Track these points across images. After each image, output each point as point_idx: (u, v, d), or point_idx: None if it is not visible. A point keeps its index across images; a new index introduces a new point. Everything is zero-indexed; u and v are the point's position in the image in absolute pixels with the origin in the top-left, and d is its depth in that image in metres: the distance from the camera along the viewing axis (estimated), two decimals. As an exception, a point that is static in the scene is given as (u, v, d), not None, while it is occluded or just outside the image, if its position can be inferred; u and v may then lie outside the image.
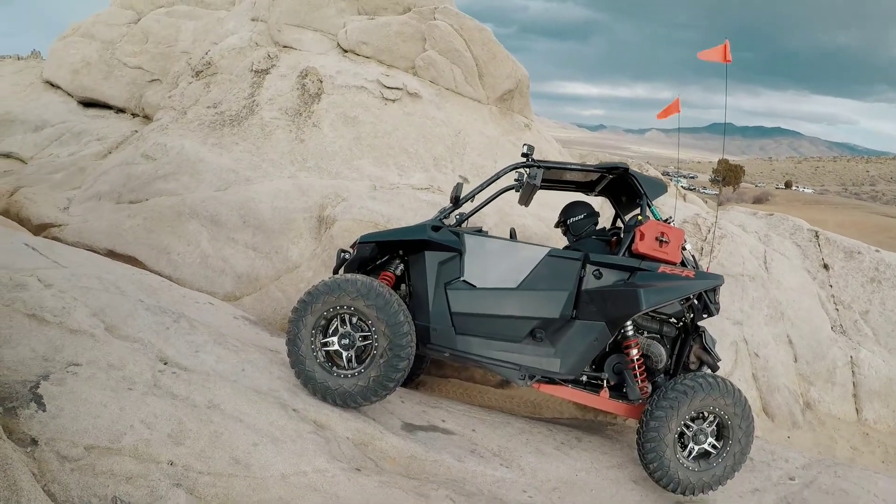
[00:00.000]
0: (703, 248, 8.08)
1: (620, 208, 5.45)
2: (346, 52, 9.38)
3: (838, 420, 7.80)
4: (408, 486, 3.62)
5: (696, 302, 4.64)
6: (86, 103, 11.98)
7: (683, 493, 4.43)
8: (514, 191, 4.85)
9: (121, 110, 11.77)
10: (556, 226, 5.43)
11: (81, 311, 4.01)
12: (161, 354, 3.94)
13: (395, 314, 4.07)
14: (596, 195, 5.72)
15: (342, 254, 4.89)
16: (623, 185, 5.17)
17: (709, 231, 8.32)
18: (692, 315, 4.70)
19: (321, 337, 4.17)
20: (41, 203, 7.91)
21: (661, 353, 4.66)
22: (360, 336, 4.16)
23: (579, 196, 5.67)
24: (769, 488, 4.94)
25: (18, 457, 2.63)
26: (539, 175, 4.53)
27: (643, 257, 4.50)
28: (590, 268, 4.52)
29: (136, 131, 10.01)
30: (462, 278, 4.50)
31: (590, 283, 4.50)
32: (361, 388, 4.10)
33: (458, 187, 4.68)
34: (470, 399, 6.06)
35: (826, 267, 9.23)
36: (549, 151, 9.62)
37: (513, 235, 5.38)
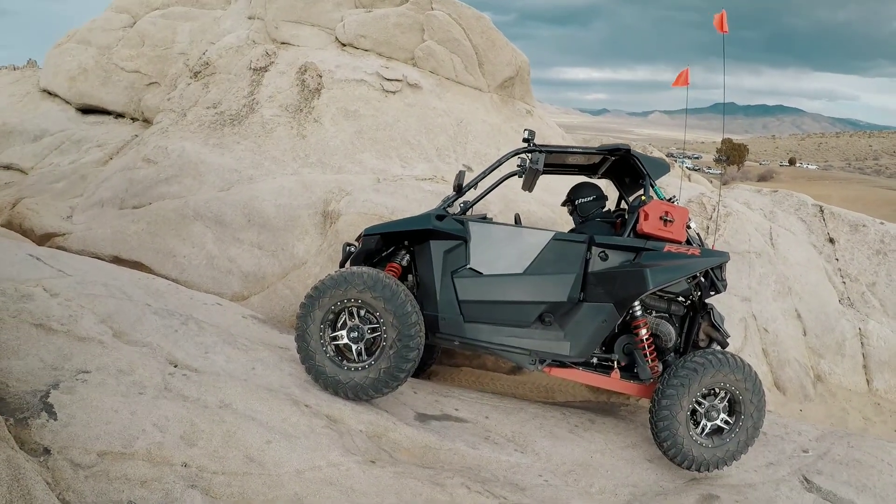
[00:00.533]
0: (708, 227, 8.06)
1: (624, 190, 5.43)
2: (344, 45, 9.35)
3: (849, 391, 7.79)
4: (423, 476, 3.62)
5: (702, 280, 4.64)
6: (84, 110, 11.94)
7: (698, 470, 4.44)
8: (517, 177, 4.84)
9: (120, 115, 11.73)
10: (563, 204, 5.41)
11: (89, 318, 4.00)
12: (170, 357, 3.95)
13: (403, 305, 4.07)
14: (599, 178, 5.70)
15: (348, 247, 4.90)
16: (626, 167, 5.15)
17: (714, 210, 8.29)
18: (700, 293, 4.70)
19: (330, 331, 4.18)
20: (44, 213, 7.91)
21: (670, 331, 4.66)
22: (369, 328, 4.16)
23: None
24: (783, 461, 4.95)
25: (32, 466, 2.63)
26: (541, 159, 4.53)
27: (648, 237, 4.49)
28: (595, 250, 4.51)
29: (137, 136, 9.99)
30: (468, 266, 4.49)
31: (596, 265, 4.49)
32: (372, 380, 4.10)
33: (461, 175, 4.67)
34: (482, 386, 6.07)
35: (832, 241, 9.20)
36: (552, 137, 9.58)
37: (517, 221, 5.37)
